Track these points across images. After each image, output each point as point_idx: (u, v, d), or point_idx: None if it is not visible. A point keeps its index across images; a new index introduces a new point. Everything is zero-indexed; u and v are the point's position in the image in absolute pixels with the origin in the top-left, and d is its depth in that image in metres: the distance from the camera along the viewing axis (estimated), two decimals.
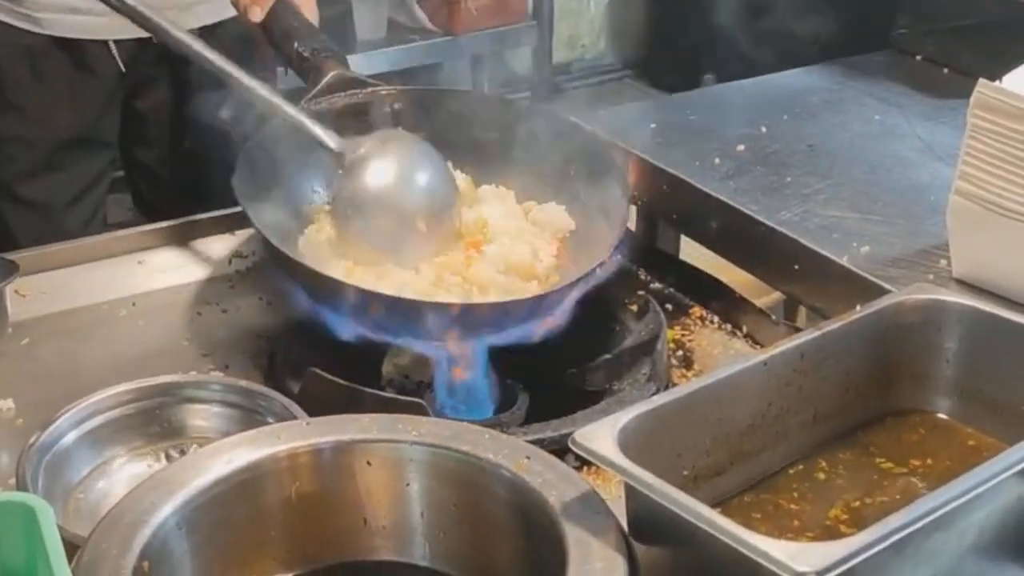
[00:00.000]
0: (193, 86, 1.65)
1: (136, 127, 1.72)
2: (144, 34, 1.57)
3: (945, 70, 1.77)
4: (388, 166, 1.29)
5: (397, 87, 1.44)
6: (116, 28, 1.57)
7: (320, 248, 1.28)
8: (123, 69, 1.63)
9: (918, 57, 1.82)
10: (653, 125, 1.62)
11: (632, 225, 1.57)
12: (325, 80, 1.39)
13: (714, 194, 1.44)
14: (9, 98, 1.62)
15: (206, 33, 1.60)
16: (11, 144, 1.64)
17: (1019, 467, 0.86)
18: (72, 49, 1.60)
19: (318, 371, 1.15)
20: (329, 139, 1.29)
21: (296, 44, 1.43)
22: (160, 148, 1.73)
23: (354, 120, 1.36)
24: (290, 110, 1.29)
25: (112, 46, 1.61)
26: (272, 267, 1.30)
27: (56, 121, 1.63)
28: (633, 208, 1.57)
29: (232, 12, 1.60)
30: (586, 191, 1.34)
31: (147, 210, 1.76)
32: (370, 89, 1.40)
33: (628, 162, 1.42)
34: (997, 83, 1.21)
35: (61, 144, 1.65)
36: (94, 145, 1.68)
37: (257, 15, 1.45)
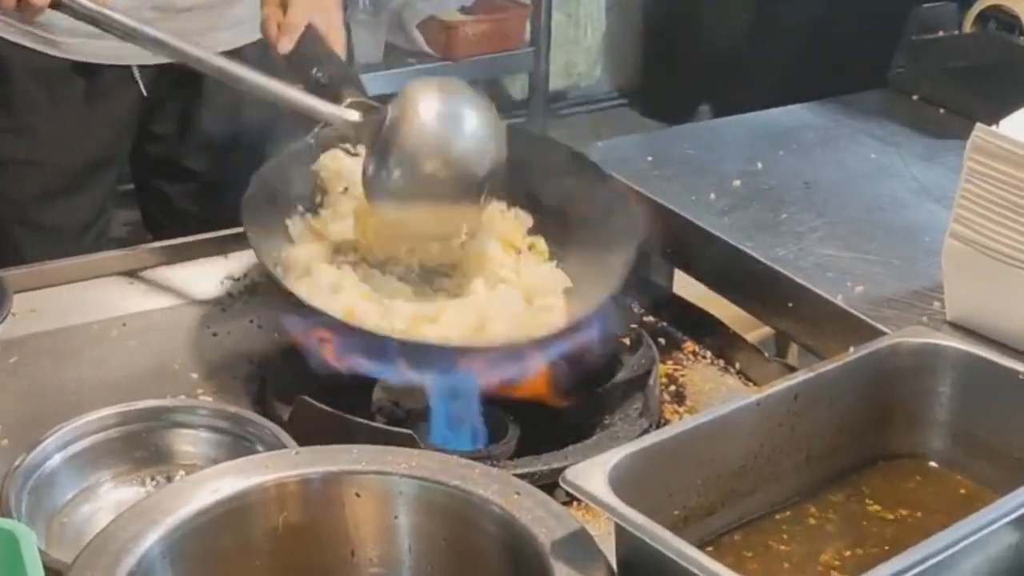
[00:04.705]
0: (209, 111, 1.65)
1: (151, 151, 1.71)
2: (165, 59, 1.57)
3: (942, 110, 1.78)
4: (435, 114, 1.23)
5: None
6: (139, 53, 1.57)
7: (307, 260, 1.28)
8: (145, 94, 1.62)
9: (915, 97, 1.82)
10: (649, 158, 1.62)
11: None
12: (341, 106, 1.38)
13: (709, 229, 1.44)
14: (24, 121, 1.60)
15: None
16: (25, 167, 1.62)
17: (1012, 516, 0.85)
18: (91, 73, 1.59)
19: (308, 399, 1.14)
20: (346, 114, 1.26)
21: (315, 71, 1.41)
22: (173, 172, 1.72)
23: None
24: (301, 96, 1.27)
25: (135, 71, 1.60)
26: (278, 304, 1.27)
27: (71, 145, 1.62)
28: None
29: (247, 39, 1.61)
30: (594, 231, 1.33)
31: (157, 232, 1.75)
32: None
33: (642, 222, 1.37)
34: (994, 127, 1.21)
35: (75, 168, 1.64)
36: (106, 168, 1.68)
37: (285, 46, 1.43)
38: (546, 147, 1.43)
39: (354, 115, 1.26)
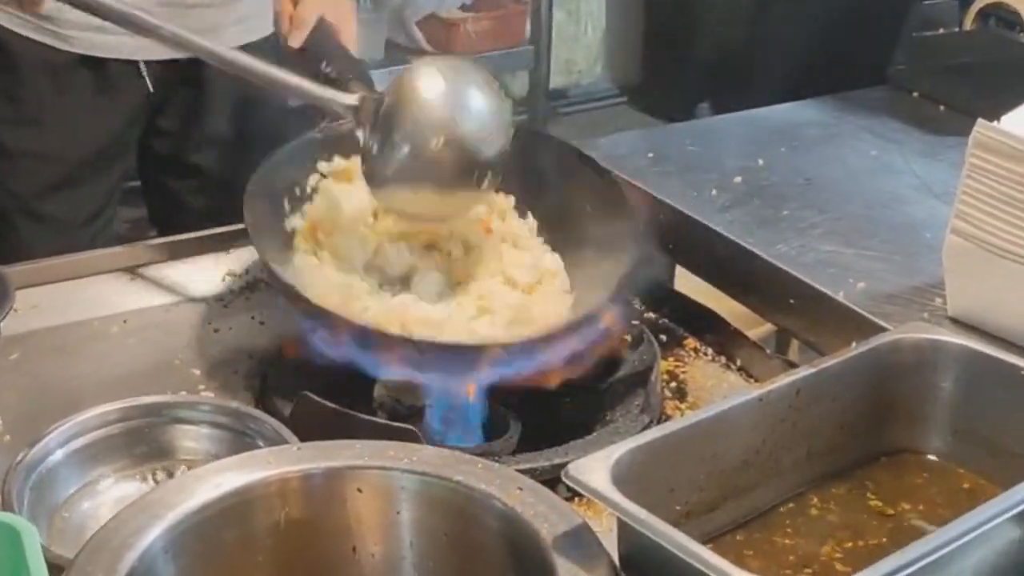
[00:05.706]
0: (216, 108, 1.64)
1: (157, 146, 1.71)
2: (172, 54, 1.56)
3: (942, 107, 1.78)
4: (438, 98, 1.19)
5: None
6: (145, 48, 1.57)
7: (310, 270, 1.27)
8: (151, 89, 1.62)
9: (915, 93, 1.82)
10: (650, 154, 1.62)
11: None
12: None
13: (710, 225, 1.44)
14: (30, 114, 1.60)
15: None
16: (30, 160, 1.62)
17: (1015, 511, 0.85)
18: (98, 67, 1.59)
19: (310, 394, 1.14)
20: (343, 97, 1.23)
21: (324, 65, 1.41)
22: (180, 168, 1.72)
23: None
24: (295, 79, 1.23)
25: (142, 66, 1.60)
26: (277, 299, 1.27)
27: (77, 138, 1.62)
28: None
29: (255, 36, 1.62)
30: (596, 230, 1.32)
31: (162, 228, 1.75)
32: None
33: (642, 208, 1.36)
34: (996, 123, 1.21)
35: (80, 161, 1.64)
36: (112, 162, 1.68)
37: (296, 41, 1.44)
38: (547, 145, 1.43)
39: (351, 98, 1.23)
